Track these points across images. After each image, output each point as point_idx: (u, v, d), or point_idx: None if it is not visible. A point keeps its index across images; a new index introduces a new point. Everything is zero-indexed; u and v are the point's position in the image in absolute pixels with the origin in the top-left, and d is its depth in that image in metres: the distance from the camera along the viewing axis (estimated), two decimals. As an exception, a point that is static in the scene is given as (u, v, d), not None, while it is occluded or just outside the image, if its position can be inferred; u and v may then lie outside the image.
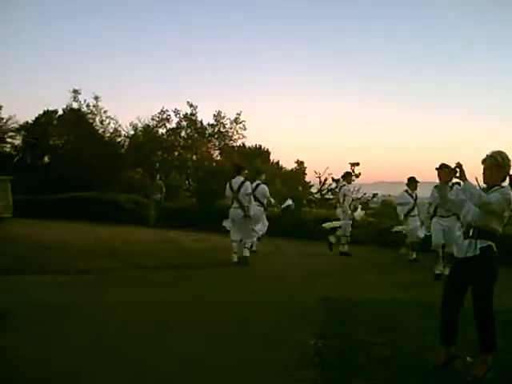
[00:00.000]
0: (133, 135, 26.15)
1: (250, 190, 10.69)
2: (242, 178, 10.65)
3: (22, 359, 4.50)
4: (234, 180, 10.70)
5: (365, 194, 24.57)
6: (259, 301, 7.45)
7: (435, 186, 9.36)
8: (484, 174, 4.58)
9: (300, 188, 27.14)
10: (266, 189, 12.16)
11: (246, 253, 10.45)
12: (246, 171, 11.11)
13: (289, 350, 5.18)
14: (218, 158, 26.81)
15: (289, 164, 30.39)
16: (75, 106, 25.07)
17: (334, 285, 8.71)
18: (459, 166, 4.56)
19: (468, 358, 4.62)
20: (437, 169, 8.38)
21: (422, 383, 4.37)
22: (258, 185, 11.90)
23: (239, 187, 10.51)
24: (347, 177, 13.47)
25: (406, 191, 11.68)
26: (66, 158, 22.40)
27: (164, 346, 5.11)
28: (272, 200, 12.68)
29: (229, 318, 6.33)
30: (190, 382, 4.34)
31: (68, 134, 23.45)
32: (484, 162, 4.58)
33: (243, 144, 28.16)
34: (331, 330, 5.85)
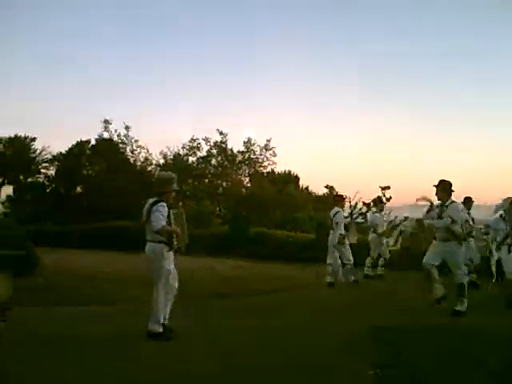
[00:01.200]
0: (163, 164, 26.48)
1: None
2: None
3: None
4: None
5: (396, 217, 24.37)
6: (309, 332, 7.33)
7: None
8: None
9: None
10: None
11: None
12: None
13: (349, 380, 5.11)
14: (249, 185, 26.98)
15: (318, 189, 30.42)
16: (106, 135, 25.61)
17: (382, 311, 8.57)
18: None
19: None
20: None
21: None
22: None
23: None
24: (378, 204, 13.60)
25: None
26: (98, 187, 22.71)
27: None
28: None
29: (283, 349, 6.26)
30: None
31: (101, 164, 23.84)
32: None
33: (272, 170, 28.29)
34: (386, 360, 5.75)
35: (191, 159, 26.56)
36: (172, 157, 26.79)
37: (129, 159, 25.55)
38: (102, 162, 23.60)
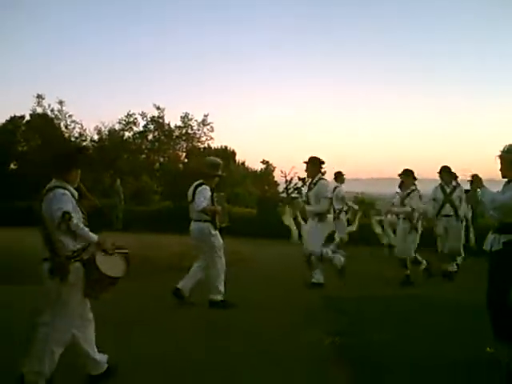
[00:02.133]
0: (99, 139, 26.06)
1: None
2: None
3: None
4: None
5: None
6: (264, 305, 7.61)
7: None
8: (501, 167, 4.89)
9: (266, 187, 27.41)
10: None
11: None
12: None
13: (308, 350, 5.44)
14: (186, 161, 26.89)
15: (255, 165, 30.75)
16: (39, 111, 24.90)
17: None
18: (475, 177, 4.89)
19: (488, 349, 4.98)
20: (439, 172, 8.75)
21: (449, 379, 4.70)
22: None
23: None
24: (339, 177, 11.89)
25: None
26: (33, 163, 22.13)
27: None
28: None
29: (239, 324, 6.55)
30: None
31: (36, 140, 23.20)
32: (501, 155, 4.86)
33: (209, 145, 28.27)
34: (342, 329, 6.15)
35: (127, 134, 26.23)
36: (107, 132, 26.38)
37: (64, 135, 24.96)
38: (37, 137, 22.96)
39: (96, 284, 4.16)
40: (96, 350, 4.41)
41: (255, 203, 20.26)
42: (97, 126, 26.21)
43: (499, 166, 4.91)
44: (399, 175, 9.46)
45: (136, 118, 26.08)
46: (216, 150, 29.09)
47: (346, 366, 4.95)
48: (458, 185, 9.59)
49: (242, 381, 4.66)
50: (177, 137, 26.64)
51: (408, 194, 9.18)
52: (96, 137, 26.24)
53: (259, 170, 29.35)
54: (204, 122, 26.38)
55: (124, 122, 25.99)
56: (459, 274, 9.83)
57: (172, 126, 26.38)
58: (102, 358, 4.41)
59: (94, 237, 4.12)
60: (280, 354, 5.27)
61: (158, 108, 26.01)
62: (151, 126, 26.21)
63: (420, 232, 9.43)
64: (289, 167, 25.44)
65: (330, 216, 8.89)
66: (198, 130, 26.51)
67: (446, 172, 9.71)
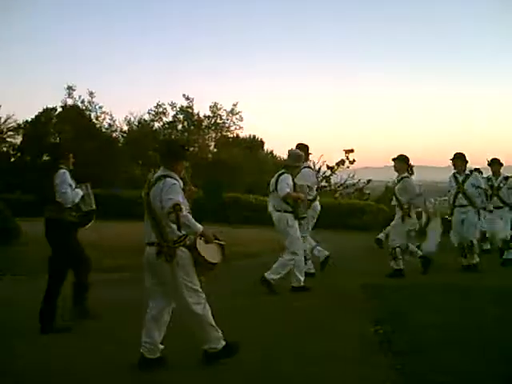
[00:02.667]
0: (128, 130, 26.29)
1: None
2: None
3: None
4: None
5: (359, 180, 24.71)
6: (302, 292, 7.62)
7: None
8: None
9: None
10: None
11: None
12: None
13: (353, 339, 5.43)
14: (215, 150, 27.01)
15: (283, 153, 30.64)
16: (70, 102, 25.20)
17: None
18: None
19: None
20: (452, 159, 8.51)
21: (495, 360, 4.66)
22: None
23: None
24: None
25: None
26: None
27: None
28: None
29: (282, 310, 6.58)
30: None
31: (68, 132, 23.48)
32: None
33: (237, 135, 28.30)
34: (383, 316, 6.12)
35: (157, 125, 26.41)
36: (136, 123, 26.58)
37: (95, 125, 25.25)
38: (69, 129, 23.23)
39: (197, 267, 4.54)
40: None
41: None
42: (126, 117, 26.45)
43: None
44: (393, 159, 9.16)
45: (165, 109, 26.28)
46: (244, 139, 29.16)
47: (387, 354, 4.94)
48: (471, 172, 9.27)
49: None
50: (206, 126, 26.74)
51: (399, 181, 8.88)
52: (126, 127, 26.50)
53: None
54: (233, 112, 26.48)
55: (153, 113, 26.18)
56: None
57: (201, 115, 26.48)
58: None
59: (200, 227, 4.41)
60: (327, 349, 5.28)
61: (188, 98, 26.18)
62: (180, 116, 26.34)
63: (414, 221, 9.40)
64: (317, 156, 25.47)
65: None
66: (227, 119, 26.62)
67: (458, 159, 9.46)
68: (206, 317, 4.56)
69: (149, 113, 26.15)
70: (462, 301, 6.84)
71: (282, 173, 7.54)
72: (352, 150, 23.55)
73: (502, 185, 9.99)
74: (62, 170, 5.76)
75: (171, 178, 4.48)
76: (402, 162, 8.85)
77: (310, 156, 9.12)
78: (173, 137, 26.59)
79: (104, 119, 25.96)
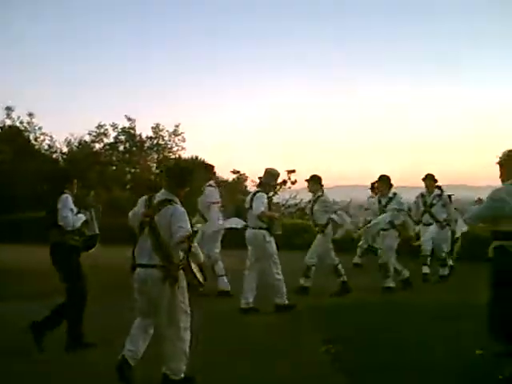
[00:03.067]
0: (69, 151, 25.83)
1: None
2: None
3: None
4: None
5: (301, 200, 24.90)
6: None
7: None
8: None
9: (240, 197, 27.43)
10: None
11: None
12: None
13: (307, 358, 5.61)
14: (157, 171, 26.81)
15: (226, 174, 30.75)
16: (9, 123, 24.62)
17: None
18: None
19: (477, 351, 5.23)
20: (424, 179, 9.03)
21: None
22: None
23: None
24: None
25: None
26: (5, 176, 21.83)
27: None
28: None
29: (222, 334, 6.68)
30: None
31: (6, 152, 22.87)
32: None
33: (179, 156, 28.22)
34: (332, 336, 6.32)
35: (98, 146, 26.05)
36: (76, 144, 26.17)
37: (34, 146, 24.71)
38: (8, 150, 22.64)
39: (188, 286, 4.80)
40: None
41: (232, 213, 20.24)
42: (67, 138, 26.02)
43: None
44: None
45: (107, 130, 25.97)
46: (186, 160, 29.10)
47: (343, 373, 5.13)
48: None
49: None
50: (148, 148, 26.59)
51: (315, 201, 9.23)
52: (65, 149, 26.03)
53: (231, 179, 29.38)
54: (175, 133, 26.43)
55: (95, 134, 25.83)
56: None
57: (143, 136, 26.33)
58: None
59: (201, 258, 5.02)
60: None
61: (130, 119, 25.97)
62: (122, 138, 26.10)
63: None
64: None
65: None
66: (170, 140, 26.56)
67: (429, 179, 9.95)
68: (187, 345, 4.70)
69: (90, 134, 25.79)
70: (410, 318, 7.15)
71: (257, 191, 7.87)
72: (293, 171, 23.93)
73: (434, 201, 10.13)
74: (65, 195, 5.91)
75: (177, 203, 4.67)
76: (316, 183, 9.22)
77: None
78: (114, 158, 26.28)
79: (44, 140, 25.49)
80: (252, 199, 7.80)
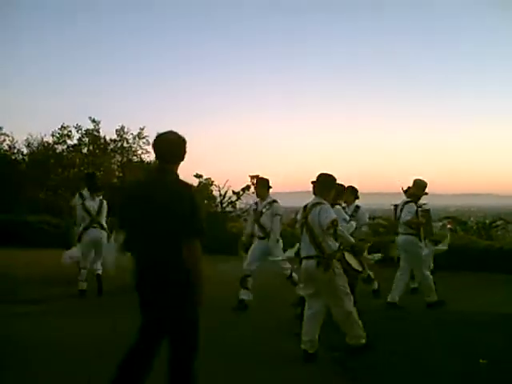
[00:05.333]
0: (31, 152, 25.31)
1: None
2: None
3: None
4: None
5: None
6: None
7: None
8: None
9: (206, 201, 27.35)
10: None
11: None
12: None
13: (315, 366, 5.74)
14: (120, 174, 26.51)
15: (190, 179, 30.57)
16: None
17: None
18: None
19: (481, 360, 5.47)
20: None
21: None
22: None
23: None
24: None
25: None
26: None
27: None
28: None
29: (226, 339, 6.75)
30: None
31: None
32: None
33: (141, 159, 27.97)
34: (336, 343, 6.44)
35: (61, 147, 25.60)
36: (36, 145, 25.68)
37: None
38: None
39: (346, 274, 5.89)
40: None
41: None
42: (27, 139, 25.49)
43: None
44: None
45: (70, 131, 25.56)
46: (148, 164, 28.85)
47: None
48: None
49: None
50: (112, 150, 26.30)
51: (267, 208, 8.81)
52: (25, 150, 25.50)
53: (197, 184, 29.26)
54: (140, 136, 26.23)
55: (58, 135, 25.38)
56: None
57: (107, 139, 26.02)
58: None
59: (352, 240, 6.35)
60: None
61: (94, 121, 25.64)
62: (86, 140, 25.74)
63: None
64: (223, 181, 25.58)
65: None
66: (134, 143, 26.35)
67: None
68: (355, 314, 5.88)
69: (53, 135, 25.32)
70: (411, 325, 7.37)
71: (408, 201, 8.77)
72: (257, 176, 23.99)
73: (354, 214, 9.20)
74: None
75: (324, 204, 5.89)
76: (263, 188, 8.82)
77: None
78: (77, 160, 25.86)
79: (4, 141, 24.92)
80: (401, 209, 8.69)
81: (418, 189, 8.83)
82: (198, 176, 29.87)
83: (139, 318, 4.05)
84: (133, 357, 3.92)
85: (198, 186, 28.87)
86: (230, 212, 25.40)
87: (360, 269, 6.07)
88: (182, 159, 4.13)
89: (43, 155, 24.97)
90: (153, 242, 3.88)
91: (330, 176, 6.14)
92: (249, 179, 22.57)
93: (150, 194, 3.93)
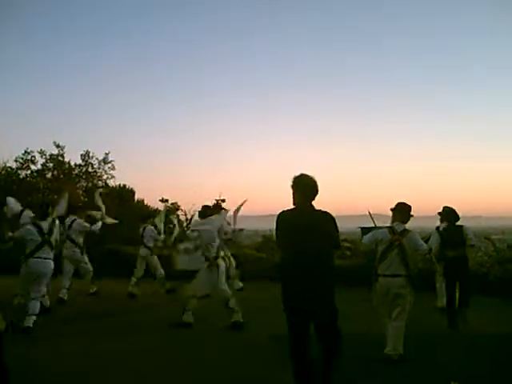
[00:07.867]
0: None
1: None
2: None
3: None
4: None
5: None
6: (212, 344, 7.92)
7: None
8: None
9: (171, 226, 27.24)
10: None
11: None
12: None
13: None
14: (86, 200, 26.32)
15: (153, 202, 30.45)
16: None
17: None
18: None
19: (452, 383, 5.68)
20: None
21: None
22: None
23: None
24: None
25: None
26: None
27: None
28: None
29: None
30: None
31: None
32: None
33: (106, 183, 27.82)
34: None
35: (24, 173, 25.33)
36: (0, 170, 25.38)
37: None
38: None
39: None
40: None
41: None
42: (-12, 164, 25.15)
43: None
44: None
45: (34, 156, 25.34)
46: (114, 188, 28.68)
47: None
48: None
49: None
50: (76, 175, 26.14)
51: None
52: (-16, 176, 25.14)
53: (163, 208, 29.15)
54: (105, 160, 26.14)
55: (21, 161, 25.12)
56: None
57: (72, 164, 25.89)
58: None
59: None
60: None
61: (58, 146, 25.48)
62: (50, 165, 25.54)
63: None
64: (189, 205, 25.63)
65: None
66: (99, 168, 26.24)
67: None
68: (403, 331, 6.82)
69: (16, 160, 25.07)
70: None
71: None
72: (224, 200, 24.10)
73: None
74: None
75: (412, 231, 7.11)
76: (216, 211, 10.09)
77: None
78: (41, 185, 25.60)
79: (-35, 166, 24.57)
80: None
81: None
82: (164, 200, 29.91)
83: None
84: (301, 359, 5.18)
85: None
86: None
87: None
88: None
89: (5, 181, 24.66)
90: (310, 253, 5.19)
91: (407, 204, 7.24)
92: (214, 202, 22.67)
93: (310, 221, 5.30)
